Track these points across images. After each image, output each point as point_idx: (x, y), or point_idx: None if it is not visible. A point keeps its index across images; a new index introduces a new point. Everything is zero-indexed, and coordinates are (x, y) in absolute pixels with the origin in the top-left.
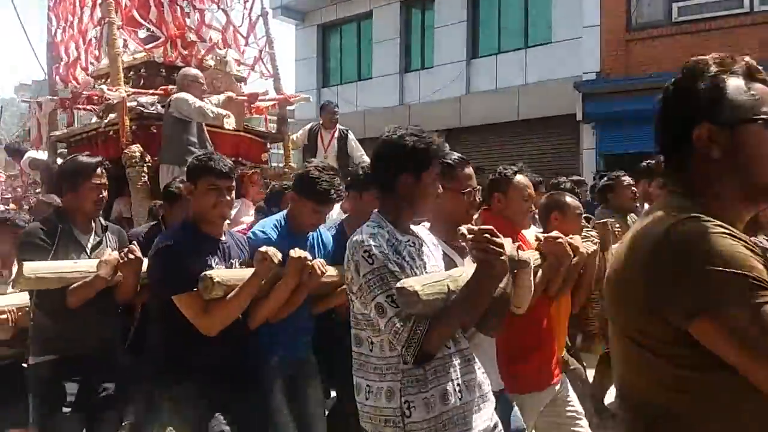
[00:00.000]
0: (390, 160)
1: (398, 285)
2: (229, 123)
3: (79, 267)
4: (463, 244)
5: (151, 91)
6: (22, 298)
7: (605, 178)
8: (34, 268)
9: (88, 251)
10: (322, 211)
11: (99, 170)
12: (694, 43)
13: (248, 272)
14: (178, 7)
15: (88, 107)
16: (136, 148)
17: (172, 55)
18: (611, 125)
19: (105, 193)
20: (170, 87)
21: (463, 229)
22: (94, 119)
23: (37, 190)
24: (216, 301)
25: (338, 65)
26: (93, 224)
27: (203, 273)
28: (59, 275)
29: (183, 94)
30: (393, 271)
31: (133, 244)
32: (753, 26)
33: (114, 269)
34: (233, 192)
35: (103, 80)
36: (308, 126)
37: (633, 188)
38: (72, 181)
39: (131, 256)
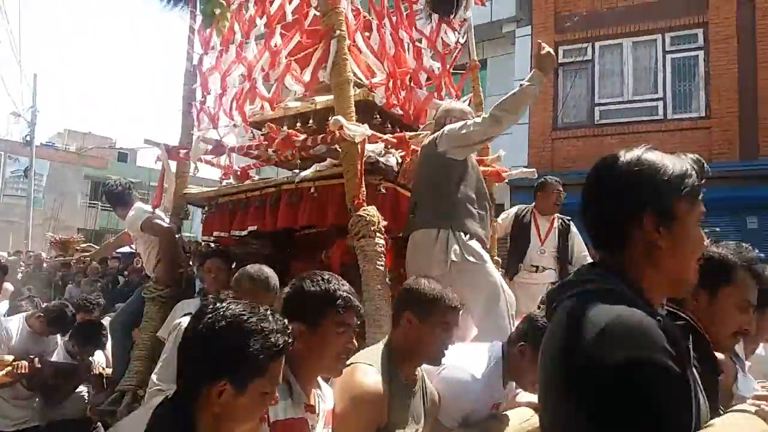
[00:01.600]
0: None
1: None
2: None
3: None
4: None
5: (383, 137)
6: None
7: None
8: None
9: None
10: None
11: None
12: (613, 144)
13: None
14: (399, 40)
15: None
16: (373, 211)
17: (394, 98)
18: None
19: None
20: (407, 134)
21: None
22: (231, 179)
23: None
24: None
25: None
26: None
27: None
28: None
29: (453, 125)
30: None
31: None
32: (666, 132)
33: None
34: None
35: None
36: (514, 210)
37: None
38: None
39: None
